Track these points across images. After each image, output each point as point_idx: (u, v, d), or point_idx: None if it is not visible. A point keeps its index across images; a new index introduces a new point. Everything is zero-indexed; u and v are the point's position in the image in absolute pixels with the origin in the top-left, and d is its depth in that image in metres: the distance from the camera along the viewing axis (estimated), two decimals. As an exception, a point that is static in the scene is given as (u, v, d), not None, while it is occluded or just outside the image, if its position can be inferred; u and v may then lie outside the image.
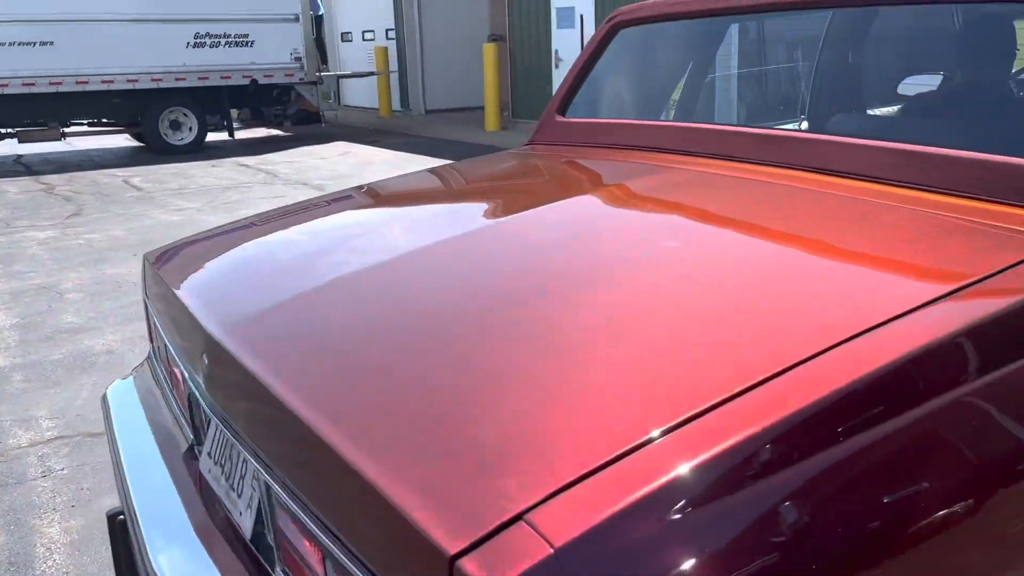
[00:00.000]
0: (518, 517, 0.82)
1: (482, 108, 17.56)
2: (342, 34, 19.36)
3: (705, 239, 1.50)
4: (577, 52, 12.40)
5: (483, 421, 0.98)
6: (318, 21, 15.57)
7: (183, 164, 10.80)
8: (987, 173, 1.48)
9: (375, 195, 2.17)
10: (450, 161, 10.27)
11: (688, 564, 0.80)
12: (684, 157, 2.01)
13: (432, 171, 2.37)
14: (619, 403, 0.97)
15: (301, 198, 8.11)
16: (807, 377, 0.96)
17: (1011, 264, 1.18)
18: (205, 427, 1.59)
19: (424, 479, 0.91)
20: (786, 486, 0.86)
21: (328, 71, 15.48)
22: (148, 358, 2.18)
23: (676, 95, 2.47)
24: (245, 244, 1.93)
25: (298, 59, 12.73)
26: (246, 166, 10.46)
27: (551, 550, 0.78)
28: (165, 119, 11.98)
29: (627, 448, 0.88)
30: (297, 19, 12.68)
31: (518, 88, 14.02)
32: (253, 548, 1.34)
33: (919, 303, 1.09)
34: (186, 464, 1.67)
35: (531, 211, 1.74)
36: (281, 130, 14.29)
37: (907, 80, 2.44)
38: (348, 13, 19.05)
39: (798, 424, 0.90)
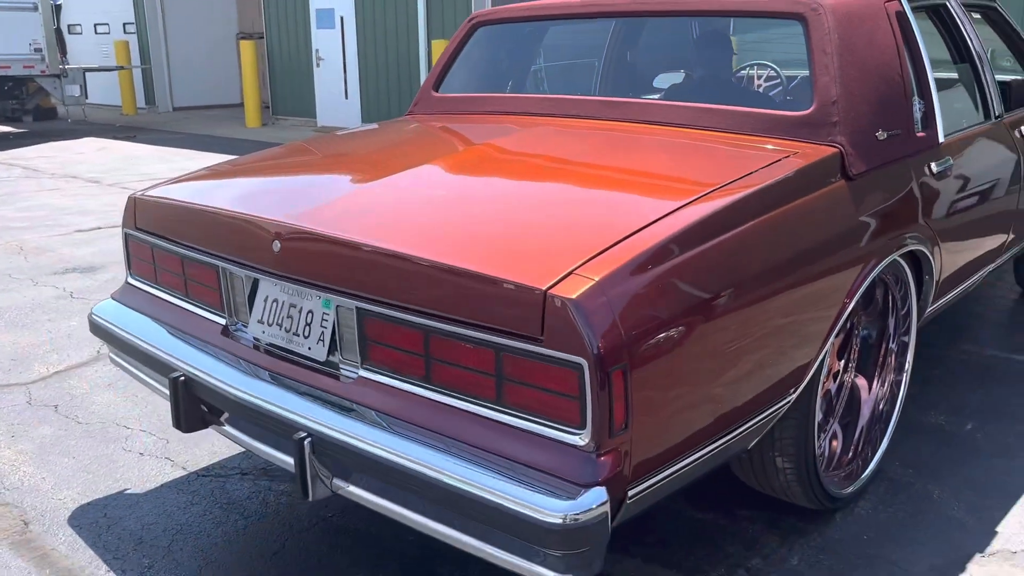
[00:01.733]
0: (571, 272, 1.60)
1: (234, 105, 17.42)
2: (69, 26, 18.17)
3: (571, 147, 2.34)
4: (338, 52, 12.92)
5: (524, 222, 1.75)
6: (56, 10, 14.65)
7: (-84, 160, 9.93)
8: (722, 119, 2.44)
9: (323, 145, 2.80)
10: (223, 154, 10.40)
11: (650, 284, 1.63)
12: (531, 118, 2.84)
13: (349, 133, 3.02)
14: (601, 218, 1.78)
15: (78, 189, 7.99)
16: (680, 213, 1.82)
17: (755, 166, 2.12)
18: (250, 305, 2.16)
19: (496, 249, 1.66)
20: (700, 251, 1.72)
21: (70, 64, 14.63)
22: (126, 284, 2.62)
23: (520, 76, 3.30)
24: (241, 172, 2.49)
25: (38, 50, 12.05)
26: (-6, 161, 9.86)
27: (596, 280, 1.57)
28: None
29: (619, 238, 1.69)
30: (36, 7, 12.00)
31: (278, 86, 14.22)
32: (325, 367, 1.97)
33: (718, 182, 1.99)
34: (224, 338, 2.22)
35: (443, 146, 2.50)
36: (15, 127, 13.35)
37: (662, 75, 3.44)
38: (76, 4, 17.94)
39: (686, 228, 1.76)
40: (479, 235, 1.82)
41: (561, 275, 1.59)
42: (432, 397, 1.77)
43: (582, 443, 1.57)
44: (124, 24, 16.90)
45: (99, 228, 6.30)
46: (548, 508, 1.51)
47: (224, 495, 2.62)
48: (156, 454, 2.88)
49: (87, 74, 13.76)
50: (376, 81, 12.53)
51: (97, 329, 2.57)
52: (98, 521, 2.48)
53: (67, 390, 3.40)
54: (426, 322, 1.75)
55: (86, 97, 13.42)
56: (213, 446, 2.92)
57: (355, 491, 1.85)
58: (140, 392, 3.35)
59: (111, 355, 2.61)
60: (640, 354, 1.59)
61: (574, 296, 1.55)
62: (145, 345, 2.34)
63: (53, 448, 2.93)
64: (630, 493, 1.65)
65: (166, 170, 9.15)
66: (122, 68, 14.36)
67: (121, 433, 3.03)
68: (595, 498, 1.52)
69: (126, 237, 2.59)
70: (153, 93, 16.49)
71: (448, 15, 11.41)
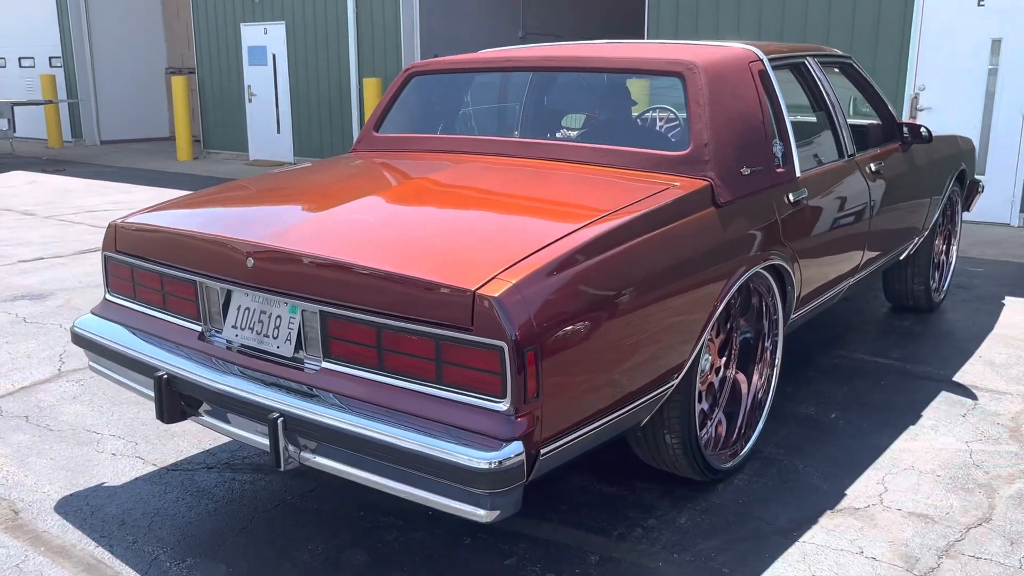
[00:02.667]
0: (495, 276, 2.06)
1: (161, 139, 17.52)
2: (-8, 60, 18.03)
3: (494, 179, 2.82)
4: (271, 88, 13.25)
5: (456, 238, 2.21)
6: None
7: None
8: (615, 157, 2.95)
9: (282, 177, 3.21)
10: (158, 187, 10.59)
11: (556, 286, 2.10)
12: (460, 155, 3.31)
13: (304, 167, 3.44)
14: (518, 235, 2.25)
15: (14, 222, 8.12)
16: (594, 220, 2.31)
17: (642, 195, 2.63)
18: (224, 313, 2.55)
19: (435, 259, 2.11)
20: (596, 261, 2.21)
21: (-3, 97, 14.55)
22: (105, 300, 2.98)
23: (450, 120, 3.78)
24: (210, 201, 2.88)
25: (-35, 84, 12.02)
26: (-77, 194, 9.86)
27: (518, 279, 2.04)
28: None
29: (532, 251, 2.16)
30: (-37, 42, 11.98)
31: (209, 120, 14.43)
32: (291, 362, 2.39)
33: (612, 207, 2.49)
34: (200, 342, 2.60)
35: (386, 178, 2.95)
36: (-63, 159, 13.22)
37: (570, 119, 3.95)
38: (1, 38, 17.82)
39: (585, 243, 2.24)
40: (420, 249, 2.27)
41: (486, 279, 2.05)
42: (384, 380, 2.20)
43: (503, 408, 2.02)
44: (50, 58, 16.87)
45: (41, 258, 6.51)
46: (480, 457, 1.95)
47: (193, 485, 2.98)
48: (127, 454, 3.22)
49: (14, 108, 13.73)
50: (308, 116, 12.89)
51: (80, 340, 2.91)
52: (82, 509, 2.81)
53: (35, 403, 3.69)
54: (378, 320, 2.18)
55: (14, 131, 13.40)
56: (178, 446, 3.27)
57: (320, 460, 2.26)
58: (105, 403, 3.67)
59: (91, 363, 2.95)
60: (547, 339, 2.06)
61: (496, 294, 2.01)
62: (128, 351, 2.70)
63: (30, 451, 3.23)
64: (542, 451, 2.10)
65: (102, 202, 9.33)
66: (50, 102, 14.35)
67: (92, 438, 3.35)
68: (514, 449, 1.98)
69: (106, 259, 2.95)
70: (80, 126, 16.46)
71: (379, 55, 11.90)
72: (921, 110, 8.12)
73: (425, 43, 11.95)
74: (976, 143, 7.82)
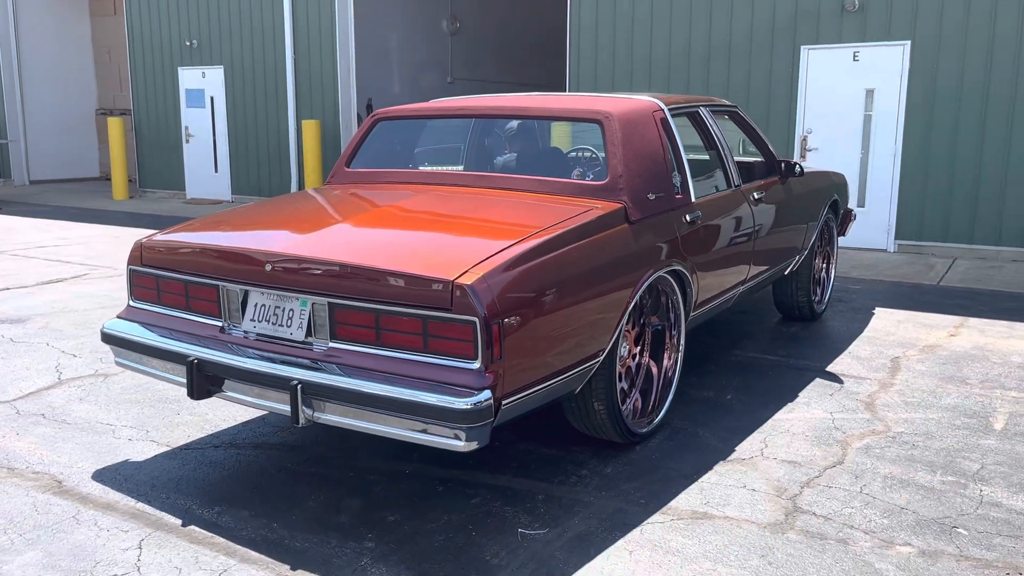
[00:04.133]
0: (467, 270, 2.78)
1: (92, 179, 17.71)
2: (-87, 99, 17.93)
3: (453, 204, 3.55)
4: (208, 129, 13.73)
5: (432, 245, 2.93)
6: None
7: None
8: (548, 186, 3.73)
9: (277, 203, 3.88)
10: (98, 224, 10.96)
11: (512, 279, 2.84)
12: (418, 186, 4.03)
13: (293, 195, 4.10)
14: (480, 242, 2.97)
15: (-32, 257, 8.43)
16: (537, 232, 3.05)
17: (571, 215, 3.39)
18: (243, 308, 3.19)
19: (419, 260, 2.82)
20: (539, 262, 2.95)
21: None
22: (130, 307, 3.56)
23: (410, 157, 4.50)
24: (219, 223, 3.52)
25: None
26: None
27: (484, 271, 2.76)
28: None
29: (493, 252, 2.89)
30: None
31: (145, 160, 14.77)
32: (302, 345, 3.04)
33: (549, 223, 3.24)
34: (222, 334, 3.23)
35: (364, 203, 3.65)
36: None
37: (511, 155, 4.73)
38: (-77, 78, 17.78)
39: (530, 249, 2.98)
40: (407, 252, 2.98)
41: (461, 272, 2.77)
42: (381, 353, 2.88)
43: (476, 367, 2.72)
44: (-22, 99, 16.93)
45: (8, 288, 6.91)
46: (460, 401, 2.65)
47: (205, 459, 3.57)
48: (142, 439, 3.78)
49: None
50: (247, 156, 13.41)
51: (110, 338, 3.49)
52: (115, 477, 3.38)
53: (47, 404, 4.20)
54: (376, 307, 2.87)
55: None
56: (186, 432, 3.85)
57: (330, 417, 2.92)
58: (111, 403, 4.21)
59: (118, 359, 3.53)
60: (506, 317, 2.78)
61: (469, 283, 2.72)
62: (159, 344, 3.31)
63: (55, 439, 3.76)
64: (504, 402, 2.81)
65: (49, 239, 9.67)
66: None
67: (107, 428, 3.90)
68: (485, 396, 2.68)
69: (131, 272, 3.55)
70: (9, 166, 16.55)
71: (316, 99, 12.55)
72: (810, 150, 9.23)
73: (361, 88, 12.67)
74: (856, 178, 8.96)
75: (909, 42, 8.52)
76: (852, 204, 8.91)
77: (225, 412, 4.08)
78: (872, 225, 8.95)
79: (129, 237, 9.87)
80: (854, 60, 8.83)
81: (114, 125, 13.79)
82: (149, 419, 4.02)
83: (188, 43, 13.70)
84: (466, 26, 15.61)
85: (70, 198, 14.18)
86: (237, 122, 13.42)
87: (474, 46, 15.82)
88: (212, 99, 13.62)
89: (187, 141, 14.04)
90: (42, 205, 13.23)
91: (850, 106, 8.92)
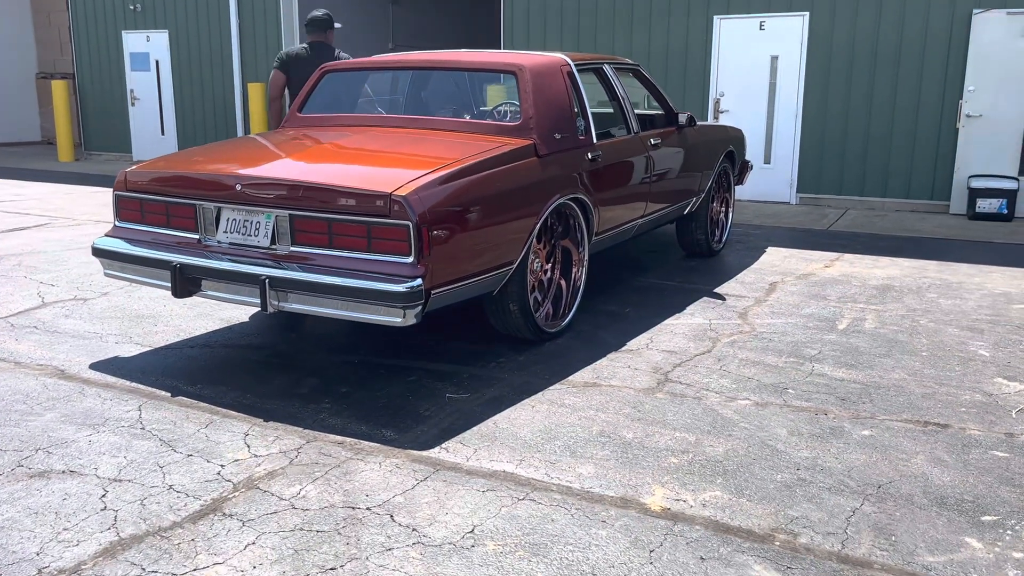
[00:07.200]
0: (402, 185, 3.51)
1: (33, 143, 17.79)
2: None
3: (392, 139, 4.27)
4: (154, 92, 14.06)
5: (374, 168, 3.65)
6: None
7: None
8: (472, 127, 4.46)
9: (241, 141, 4.53)
10: (50, 183, 11.30)
11: (440, 193, 3.58)
12: (362, 127, 4.71)
13: (255, 135, 4.75)
14: (414, 166, 3.70)
15: (-73, 210, 8.80)
16: (460, 160, 3.78)
17: (489, 147, 4.13)
18: (216, 223, 3.86)
19: (364, 179, 3.54)
20: (462, 182, 3.69)
21: None
22: (116, 226, 4.20)
23: (355, 103, 5.18)
24: (192, 155, 4.18)
25: None
26: None
27: (416, 187, 3.49)
28: None
29: (424, 172, 3.62)
30: None
31: (90, 123, 15.02)
32: (267, 250, 3.74)
33: (471, 153, 3.97)
34: (199, 245, 3.90)
35: (316, 139, 4.35)
36: None
37: (443, 102, 5.43)
38: None
39: (455, 171, 3.72)
40: (355, 174, 3.69)
41: (398, 186, 3.49)
42: (334, 253, 3.60)
43: (410, 260, 3.46)
44: (-86, 62, 16.87)
45: (-25, 235, 7.38)
46: (398, 286, 3.39)
47: (184, 355, 4.25)
48: (127, 342, 4.43)
49: None
50: (193, 118, 13.80)
51: (101, 252, 4.13)
52: (110, 366, 4.04)
53: (36, 319, 4.81)
54: (329, 216, 3.58)
55: None
56: (164, 338, 4.51)
57: (293, 305, 3.63)
58: (94, 319, 4.83)
59: (107, 271, 4.17)
60: (434, 223, 3.51)
61: (405, 194, 3.45)
62: (146, 253, 3.96)
63: (51, 344, 4.39)
64: (432, 292, 3.55)
65: (5, 194, 10.05)
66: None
67: (94, 335, 4.54)
68: (417, 282, 3.42)
69: (117, 197, 4.18)
70: (-52, 130, 16.58)
71: (261, 63, 13.00)
72: (722, 112, 10.10)
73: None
74: (763, 138, 9.86)
75: (808, 12, 9.41)
76: (759, 162, 9.84)
77: (196, 323, 4.75)
78: (777, 180, 9.88)
79: (82, 194, 10.30)
80: (760, 29, 9.69)
81: (58, 88, 14.02)
82: (130, 329, 4.66)
83: (132, 7, 13.97)
84: (406, -6, 16.13)
85: (15, 160, 14.38)
86: (183, 85, 13.78)
87: (415, 13, 16.35)
88: (157, 62, 13.93)
89: (133, 104, 14.34)
90: (-12, 166, 13.44)
91: (757, 71, 9.80)
